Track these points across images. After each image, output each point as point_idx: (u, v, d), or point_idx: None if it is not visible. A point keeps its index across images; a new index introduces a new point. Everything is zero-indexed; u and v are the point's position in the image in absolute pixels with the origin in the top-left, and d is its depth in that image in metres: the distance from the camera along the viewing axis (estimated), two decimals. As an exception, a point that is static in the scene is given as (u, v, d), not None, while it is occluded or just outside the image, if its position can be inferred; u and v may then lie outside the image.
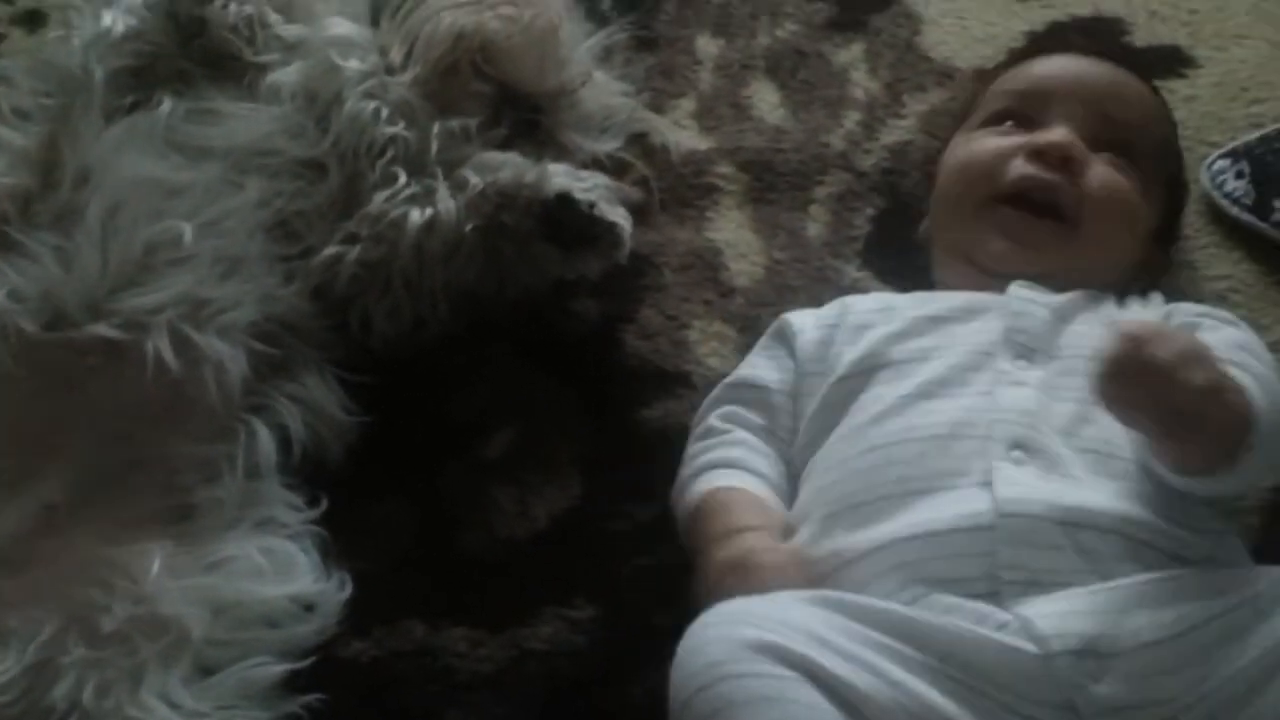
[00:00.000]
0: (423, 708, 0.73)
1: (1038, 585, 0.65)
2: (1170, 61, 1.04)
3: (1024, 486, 0.67)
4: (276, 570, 0.73)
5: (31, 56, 0.88)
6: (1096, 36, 1.07)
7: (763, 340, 0.84)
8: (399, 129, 0.87)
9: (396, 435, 0.85)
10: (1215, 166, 0.94)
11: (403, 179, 0.86)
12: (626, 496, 0.82)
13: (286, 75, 0.86)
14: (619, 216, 0.89)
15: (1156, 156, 0.85)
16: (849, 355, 0.78)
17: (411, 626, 0.75)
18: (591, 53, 1.03)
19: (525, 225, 0.87)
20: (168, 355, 0.76)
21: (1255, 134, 0.95)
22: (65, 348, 0.75)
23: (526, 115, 0.95)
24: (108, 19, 0.87)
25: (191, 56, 0.87)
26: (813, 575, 0.68)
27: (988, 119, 0.87)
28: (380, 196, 0.85)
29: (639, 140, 1.02)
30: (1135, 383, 0.62)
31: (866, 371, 0.77)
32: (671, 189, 0.99)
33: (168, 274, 0.78)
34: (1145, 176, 0.84)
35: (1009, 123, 0.85)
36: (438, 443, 0.85)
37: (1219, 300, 0.88)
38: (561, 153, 0.95)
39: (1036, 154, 0.81)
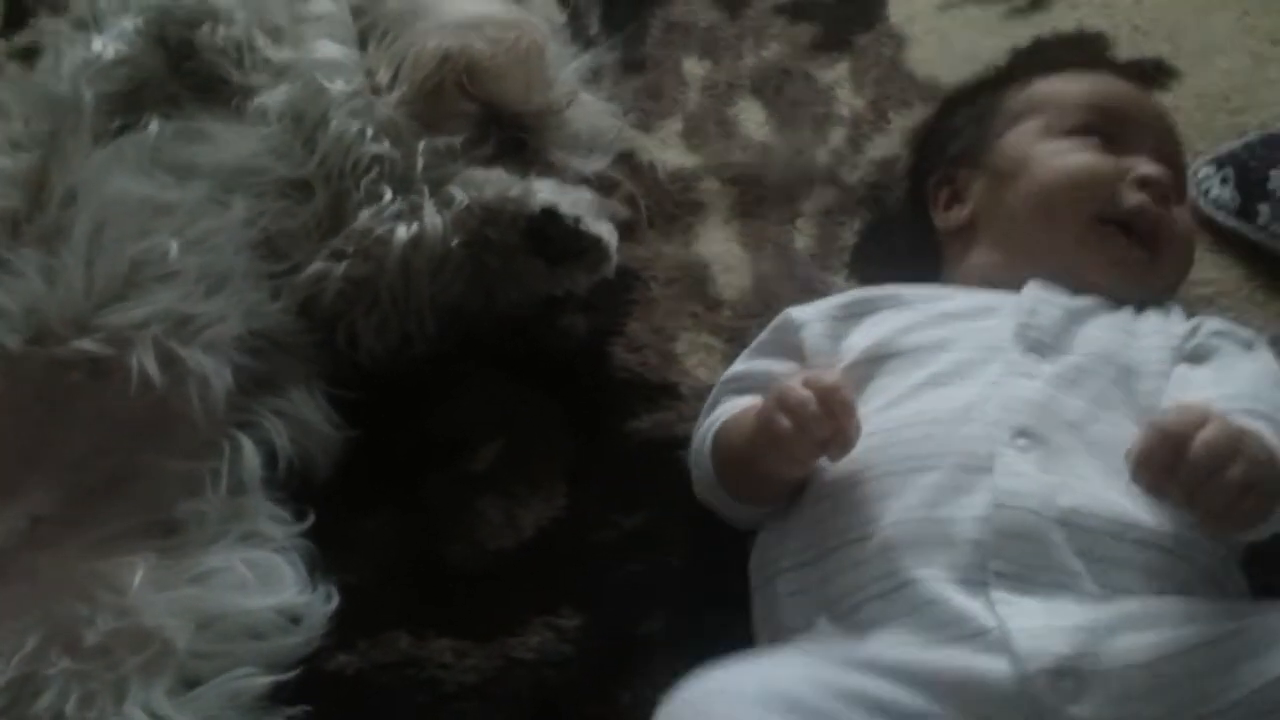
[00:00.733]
0: (408, 719, 0.72)
1: (1028, 581, 0.64)
2: (1154, 73, 1.05)
3: (1024, 478, 0.67)
4: (261, 582, 0.73)
5: (23, 82, 0.89)
6: (1080, 53, 1.08)
7: (763, 336, 0.83)
8: (384, 147, 0.88)
9: (384, 449, 0.85)
10: (1200, 174, 0.95)
11: (389, 196, 0.87)
12: (613, 506, 0.82)
13: (274, 97, 0.87)
14: (604, 231, 0.90)
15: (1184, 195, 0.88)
16: (859, 344, 0.78)
17: (396, 638, 0.75)
18: (579, 74, 1.04)
19: (511, 240, 0.88)
20: (152, 370, 0.76)
21: (1239, 141, 0.95)
22: (50, 363, 0.76)
23: (513, 134, 0.96)
24: (98, 44, 0.88)
25: (180, 80, 0.88)
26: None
27: (1070, 128, 0.85)
28: (366, 213, 0.86)
29: (627, 159, 1.03)
30: (1169, 478, 0.62)
31: (876, 360, 0.76)
32: (659, 205, 1.00)
33: (153, 290, 0.78)
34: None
35: (1094, 138, 0.84)
36: (425, 456, 0.85)
37: (1206, 304, 0.88)
38: (549, 171, 0.96)
39: (1144, 183, 0.82)
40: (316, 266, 0.85)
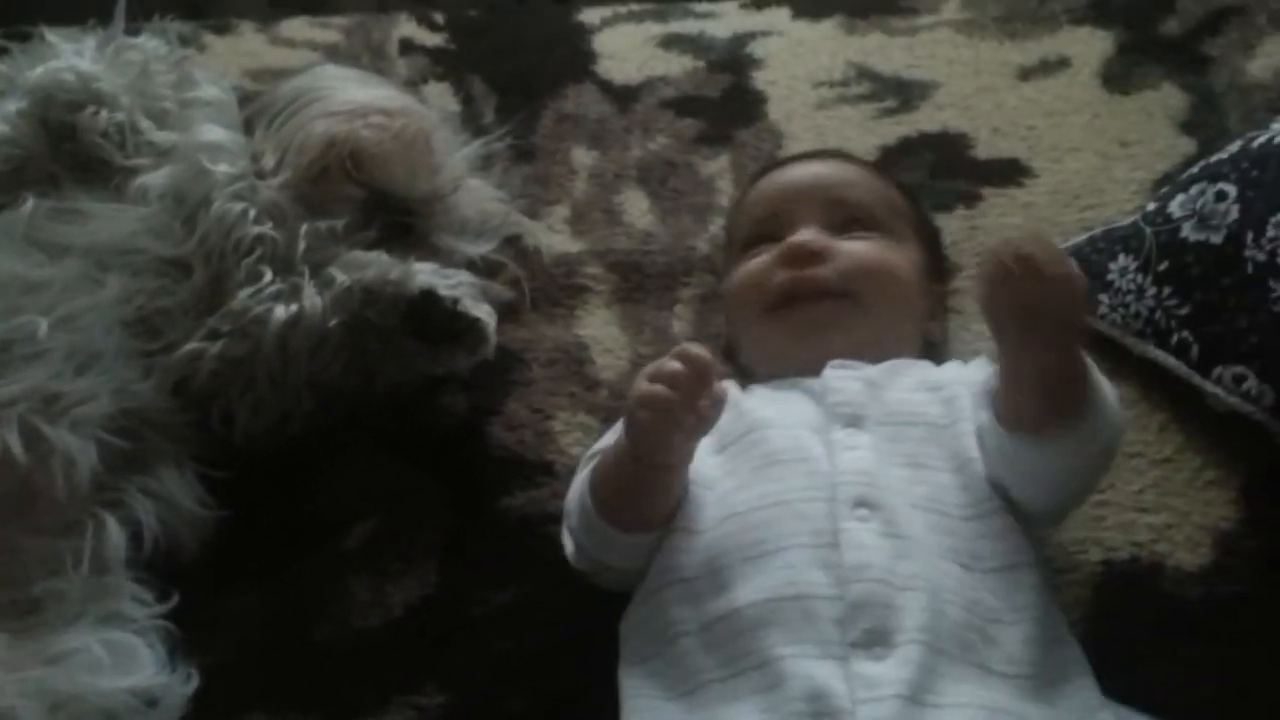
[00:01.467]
0: (262, 802, 0.72)
1: (883, 639, 0.67)
2: (1010, 172, 1.12)
3: (869, 550, 0.70)
4: (117, 664, 0.72)
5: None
6: (944, 151, 1.15)
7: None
8: (266, 229, 0.89)
9: (256, 527, 0.85)
10: (1049, 265, 1.01)
11: (268, 276, 0.88)
12: (484, 582, 0.82)
13: (155, 177, 0.89)
14: (483, 313, 0.92)
15: (892, 213, 0.93)
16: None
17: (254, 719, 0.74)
18: (468, 160, 1.08)
19: (390, 321, 0.89)
20: (16, 448, 0.75)
21: (1084, 236, 1.02)
22: (-89, 440, 0.75)
23: (398, 218, 0.98)
24: (-20, 124, 0.89)
25: (61, 161, 0.90)
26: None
27: (744, 246, 0.93)
28: (245, 293, 0.87)
29: (513, 243, 1.06)
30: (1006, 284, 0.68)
31: (713, 452, 0.80)
32: (543, 289, 1.03)
33: (21, 368, 0.78)
34: (891, 231, 0.91)
35: (761, 245, 0.91)
36: (298, 535, 0.85)
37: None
38: (433, 254, 0.98)
39: (788, 258, 0.87)
40: (191, 346, 0.85)
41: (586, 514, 0.77)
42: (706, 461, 0.79)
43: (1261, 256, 0.87)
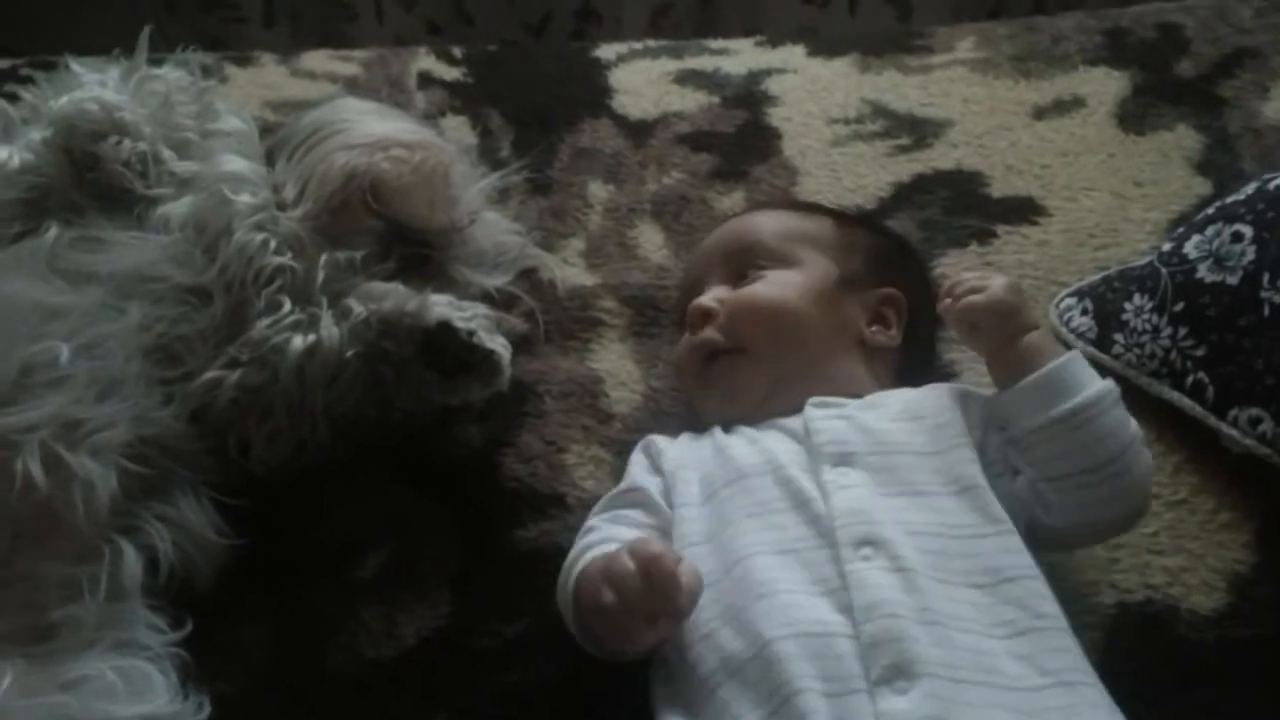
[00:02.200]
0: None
1: (903, 672, 0.67)
2: (1024, 211, 1.12)
3: (878, 588, 0.71)
4: (130, 691, 0.72)
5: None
6: (958, 189, 1.15)
7: (633, 457, 0.88)
8: (286, 259, 0.90)
9: (270, 556, 0.85)
10: (1063, 305, 1.01)
11: (287, 306, 0.89)
12: (496, 614, 0.82)
13: (177, 207, 0.90)
14: (498, 345, 0.92)
15: (792, 241, 0.94)
16: (687, 487, 0.82)
17: (266, 748, 0.74)
18: (485, 193, 1.09)
19: (406, 352, 0.90)
20: (37, 474, 0.76)
21: (1099, 275, 1.02)
22: (-68, 464, 0.75)
23: (417, 250, 0.99)
24: (3, 153, 0.90)
25: (83, 190, 0.91)
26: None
27: (678, 323, 0.98)
28: (264, 323, 0.88)
29: (528, 275, 1.06)
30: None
31: (706, 500, 0.80)
32: (557, 322, 1.04)
33: (42, 394, 0.78)
34: (786, 260, 0.93)
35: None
36: (311, 564, 0.86)
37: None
38: (450, 286, 0.99)
39: (689, 325, 0.93)
40: (210, 374, 0.86)
41: (573, 626, 0.78)
42: (697, 513, 0.79)
43: (1278, 298, 0.87)
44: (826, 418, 0.82)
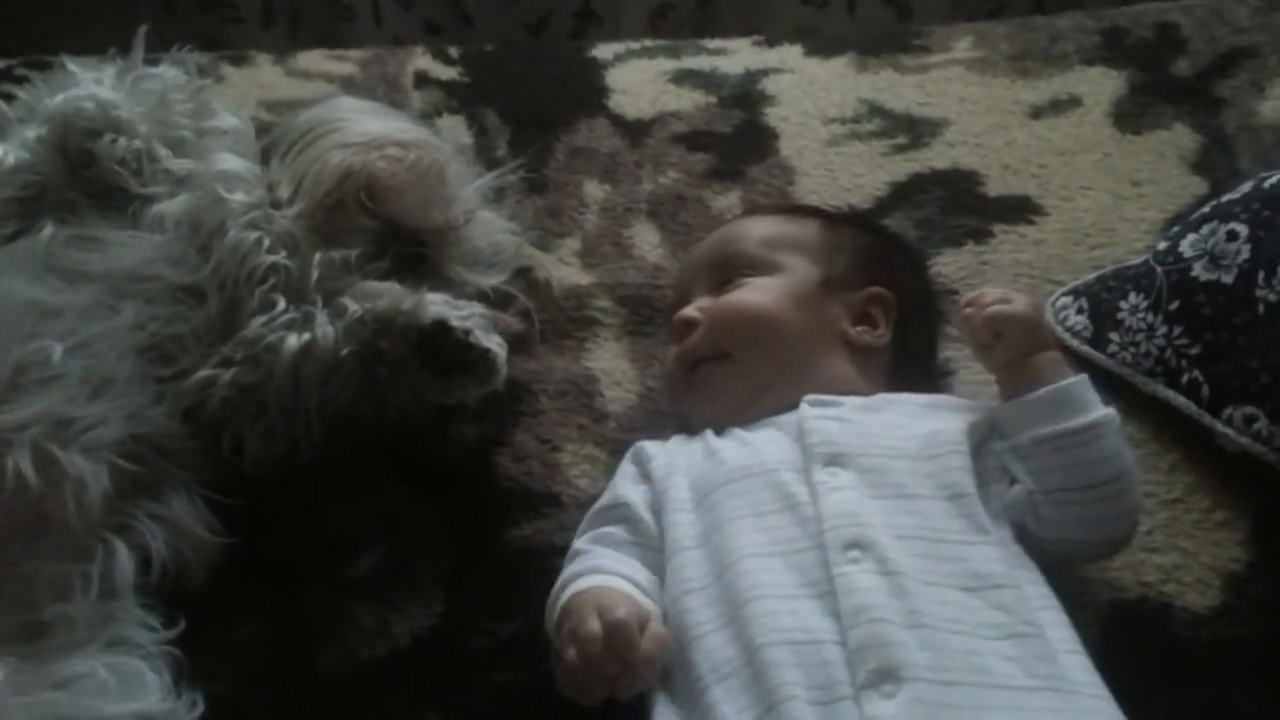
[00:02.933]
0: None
1: (890, 676, 0.67)
2: (1021, 210, 1.12)
3: (866, 592, 0.71)
4: (123, 689, 0.72)
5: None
6: (954, 188, 1.15)
7: (621, 466, 0.88)
8: (280, 258, 0.90)
9: (263, 555, 0.85)
10: (1059, 303, 1.01)
11: (281, 305, 0.89)
12: (489, 613, 0.82)
13: (171, 206, 0.90)
14: (494, 344, 0.92)
15: (773, 247, 0.94)
16: (676, 493, 0.82)
17: (259, 746, 0.74)
18: (480, 192, 1.08)
19: (401, 350, 0.90)
20: (28, 472, 0.76)
21: (1094, 274, 1.02)
22: (-76, 463, 0.75)
23: (412, 249, 0.99)
24: (-1, 151, 0.90)
25: (78, 188, 0.90)
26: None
27: (670, 332, 0.97)
28: (258, 321, 0.88)
29: (524, 274, 1.06)
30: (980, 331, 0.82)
31: (697, 503, 0.80)
32: (552, 321, 1.04)
33: (35, 392, 0.78)
34: (767, 269, 0.93)
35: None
36: (304, 563, 0.85)
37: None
38: (445, 285, 0.98)
39: (674, 337, 0.94)
40: (204, 373, 0.86)
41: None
42: (689, 517, 0.79)
43: (1273, 297, 0.87)
44: (821, 417, 0.82)
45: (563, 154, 1.21)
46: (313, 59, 1.35)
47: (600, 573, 0.78)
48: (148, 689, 0.73)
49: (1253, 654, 0.79)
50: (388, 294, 0.91)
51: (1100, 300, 0.97)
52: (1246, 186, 0.96)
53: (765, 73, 1.31)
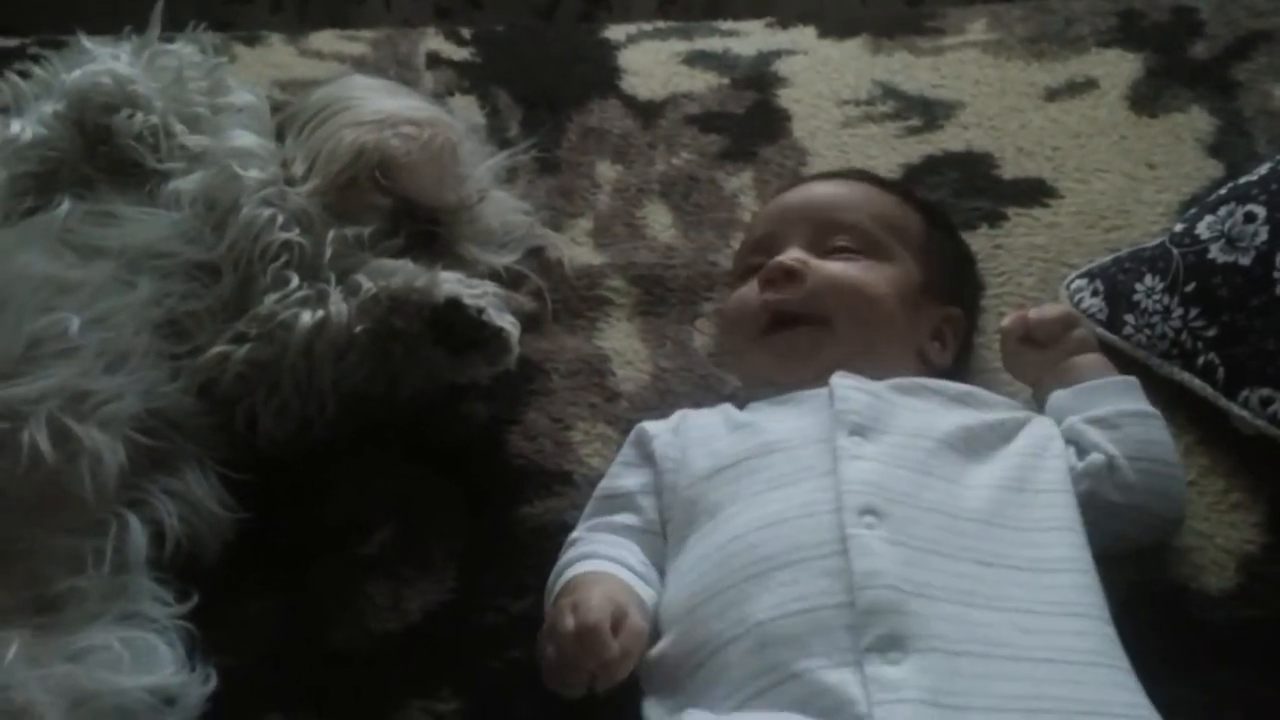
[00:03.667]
0: (279, 803, 0.72)
1: (898, 644, 0.67)
2: (1035, 193, 1.12)
3: (878, 556, 0.70)
4: (137, 662, 0.72)
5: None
6: (968, 170, 1.15)
7: (622, 450, 0.87)
8: (294, 235, 0.90)
9: (276, 531, 0.85)
10: (1073, 286, 1.01)
11: (295, 282, 0.89)
12: (501, 590, 0.83)
13: (187, 182, 0.90)
14: (507, 323, 0.92)
15: (887, 232, 0.92)
16: (698, 463, 0.81)
17: (272, 720, 0.75)
18: (493, 172, 1.08)
19: (415, 329, 0.90)
20: (44, 446, 0.76)
21: (1109, 257, 1.01)
22: (-60, 435, 0.76)
23: (425, 227, 0.99)
24: (16, 126, 0.90)
25: (95, 163, 0.90)
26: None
27: (740, 275, 0.95)
28: (272, 298, 0.88)
29: (536, 254, 1.06)
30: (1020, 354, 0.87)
31: (715, 473, 0.80)
32: (564, 300, 1.04)
33: (51, 365, 0.78)
34: (879, 251, 0.90)
35: (753, 272, 0.92)
36: (316, 539, 0.86)
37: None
38: (458, 264, 0.98)
39: (766, 281, 0.89)
40: (218, 349, 0.86)
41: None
42: (706, 486, 0.79)
43: (1289, 279, 0.87)
44: (854, 388, 0.81)
45: (575, 134, 1.21)
46: (325, 39, 1.35)
47: (594, 558, 0.78)
48: (161, 662, 0.73)
49: (1267, 636, 0.79)
50: (401, 272, 0.92)
51: (1116, 282, 0.97)
52: (1264, 168, 0.96)
53: (778, 54, 1.31)
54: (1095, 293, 0.98)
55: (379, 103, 1.01)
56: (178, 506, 0.81)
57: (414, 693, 0.77)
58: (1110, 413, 0.81)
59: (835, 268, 0.89)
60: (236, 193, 0.90)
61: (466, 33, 1.37)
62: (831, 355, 0.85)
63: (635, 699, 0.73)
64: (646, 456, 0.85)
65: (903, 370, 0.86)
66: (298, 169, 0.96)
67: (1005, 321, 0.88)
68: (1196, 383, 0.90)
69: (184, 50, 0.99)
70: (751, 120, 1.22)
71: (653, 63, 1.30)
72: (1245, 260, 0.89)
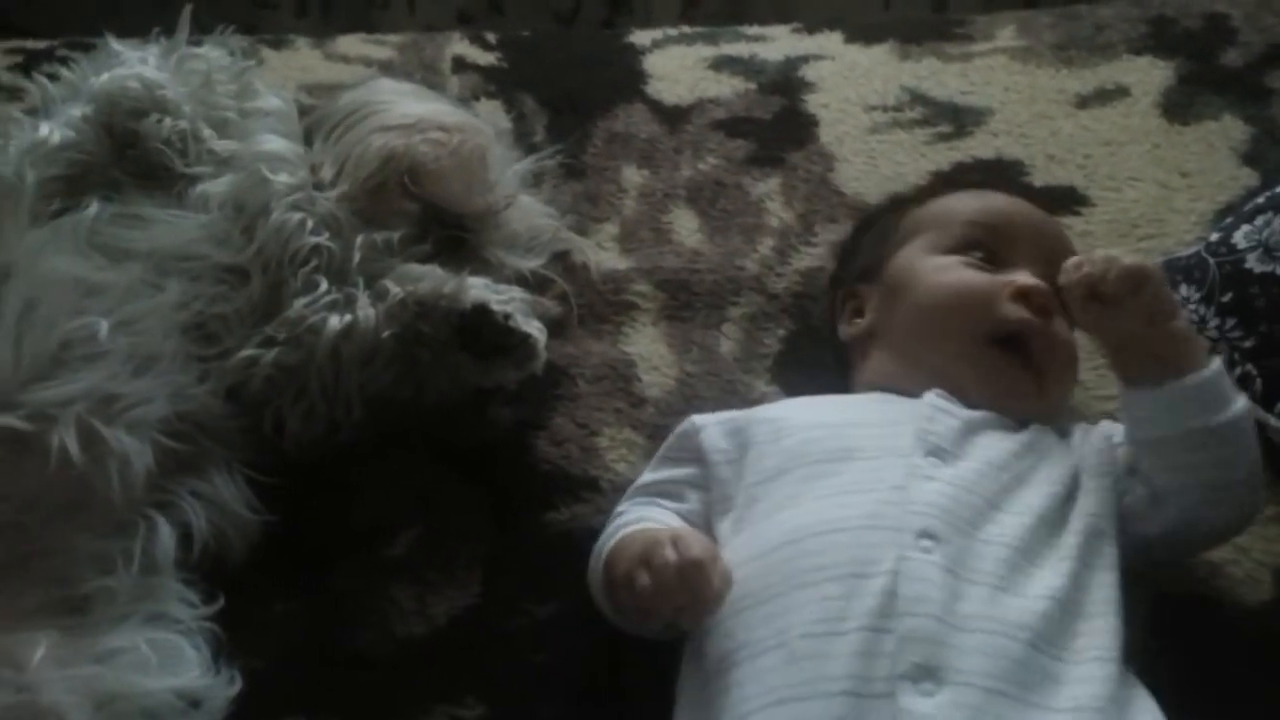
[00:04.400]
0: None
1: (932, 675, 0.66)
2: (1066, 201, 1.11)
3: (928, 583, 0.69)
4: (163, 664, 0.72)
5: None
6: (998, 177, 1.14)
7: (668, 442, 0.86)
8: (323, 239, 0.90)
9: (302, 534, 0.85)
10: (1106, 294, 0.99)
11: (324, 286, 0.89)
12: (527, 595, 0.82)
13: (216, 186, 0.90)
14: (534, 329, 0.92)
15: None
16: (766, 457, 0.80)
17: (296, 724, 0.74)
18: (520, 177, 1.08)
19: (442, 334, 0.90)
20: (73, 448, 0.76)
21: (1143, 265, 1.00)
22: (-30, 437, 0.76)
23: (452, 232, 0.98)
24: (45, 129, 0.90)
25: (123, 167, 0.91)
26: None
27: (953, 245, 0.88)
28: (300, 302, 0.88)
29: (562, 259, 1.06)
30: (1089, 308, 0.76)
31: (782, 471, 0.78)
32: (590, 305, 1.03)
33: (80, 368, 0.78)
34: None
35: (977, 254, 0.87)
36: (342, 542, 0.86)
37: (1109, 419, 0.91)
38: (485, 268, 0.98)
39: (1023, 295, 0.83)
40: (247, 352, 0.86)
41: (599, 590, 0.78)
42: (772, 486, 0.78)
43: (1328, 290, 0.85)
44: (944, 411, 0.79)
45: (601, 139, 1.21)
46: (351, 43, 1.35)
47: (650, 521, 0.78)
48: (187, 664, 0.73)
49: (1303, 651, 0.78)
50: (429, 277, 0.91)
51: (1149, 291, 0.96)
52: (1301, 177, 0.95)
53: (805, 59, 1.30)
54: (1127, 301, 0.97)
55: (407, 107, 1.01)
56: (205, 509, 0.81)
57: (438, 698, 0.77)
58: (1157, 438, 0.75)
59: (1066, 331, 0.84)
60: (266, 197, 0.90)
61: (492, 37, 1.37)
62: (1031, 411, 0.82)
63: (662, 704, 0.72)
64: (693, 449, 0.83)
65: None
66: (326, 173, 0.96)
67: (1063, 278, 0.77)
68: (1232, 394, 0.89)
69: (212, 54, 0.99)
70: (778, 125, 1.22)
71: (678, 68, 1.30)
72: (1282, 270, 0.88)
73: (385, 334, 0.89)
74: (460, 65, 1.31)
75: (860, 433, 0.79)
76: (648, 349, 1.00)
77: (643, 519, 0.79)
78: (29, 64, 1.18)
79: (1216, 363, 0.75)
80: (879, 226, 0.97)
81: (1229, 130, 1.16)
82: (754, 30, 1.38)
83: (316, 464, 0.88)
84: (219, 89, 0.96)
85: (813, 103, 1.24)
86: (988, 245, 0.87)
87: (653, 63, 1.31)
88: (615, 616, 0.77)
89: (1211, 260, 0.93)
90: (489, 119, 1.18)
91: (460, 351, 0.90)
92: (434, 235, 0.97)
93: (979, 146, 1.17)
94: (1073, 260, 0.77)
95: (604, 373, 0.97)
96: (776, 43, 1.34)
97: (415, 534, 0.86)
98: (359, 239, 0.92)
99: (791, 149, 1.19)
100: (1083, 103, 1.21)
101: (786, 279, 1.05)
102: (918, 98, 1.24)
